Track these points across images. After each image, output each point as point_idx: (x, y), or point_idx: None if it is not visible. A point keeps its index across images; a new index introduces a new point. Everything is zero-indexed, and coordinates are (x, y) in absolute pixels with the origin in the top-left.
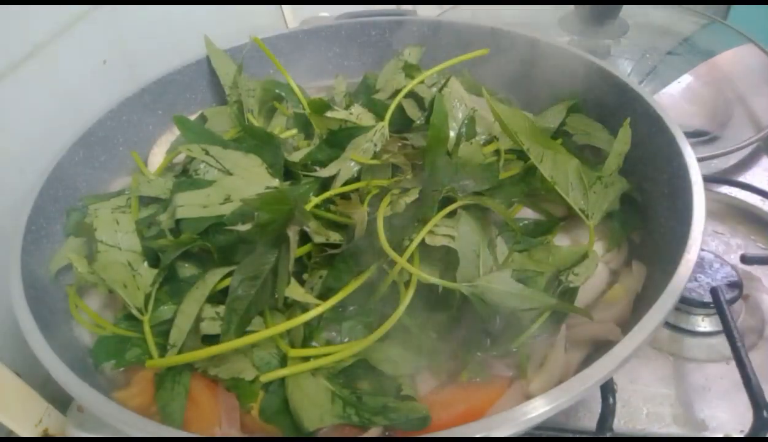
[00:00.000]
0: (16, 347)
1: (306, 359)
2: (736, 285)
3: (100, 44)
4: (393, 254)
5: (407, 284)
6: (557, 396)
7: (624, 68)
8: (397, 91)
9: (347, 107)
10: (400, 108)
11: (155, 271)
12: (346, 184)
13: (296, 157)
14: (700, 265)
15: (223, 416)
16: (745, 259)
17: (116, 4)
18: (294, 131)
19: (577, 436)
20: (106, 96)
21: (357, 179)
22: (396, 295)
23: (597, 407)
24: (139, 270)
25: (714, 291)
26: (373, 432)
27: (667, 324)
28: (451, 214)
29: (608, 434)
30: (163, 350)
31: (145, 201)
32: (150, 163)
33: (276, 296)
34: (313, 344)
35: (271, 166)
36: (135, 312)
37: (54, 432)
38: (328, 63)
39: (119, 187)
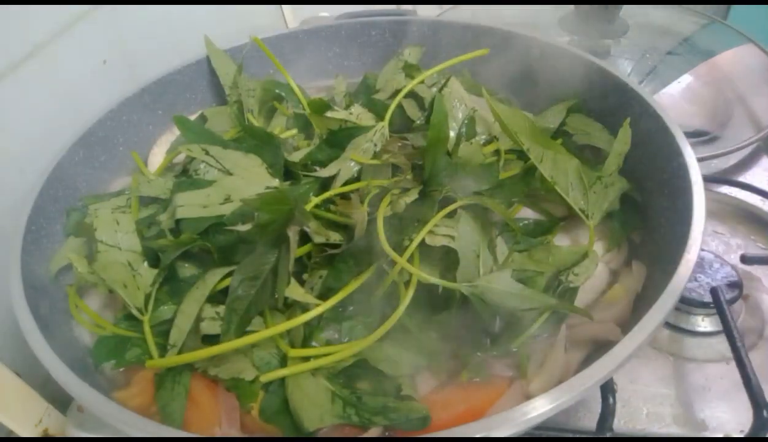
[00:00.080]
0: (16, 347)
1: (306, 359)
2: (736, 285)
3: (100, 44)
4: (393, 254)
5: (407, 284)
6: (557, 396)
7: (624, 68)
8: (397, 91)
9: (347, 107)
10: (400, 108)
11: (155, 271)
12: (346, 184)
13: (296, 157)
14: (700, 265)
15: (223, 416)
16: (745, 259)
17: (116, 4)
18: (294, 131)
19: (577, 436)
20: (106, 96)
21: (357, 179)
22: (396, 295)
23: (597, 407)
24: (139, 270)
25: (714, 291)
26: (373, 432)
27: (667, 324)
28: (451, 214)
29: (608, 434)
30: (163, 350)
31: (145, 201)
32: (150, 163)
33: (276, 296)
34: (313, 344)
35: (271, 166)
36: (135, 312)
37: (54, 432)
38: (328, 63)
39: (119, 187)
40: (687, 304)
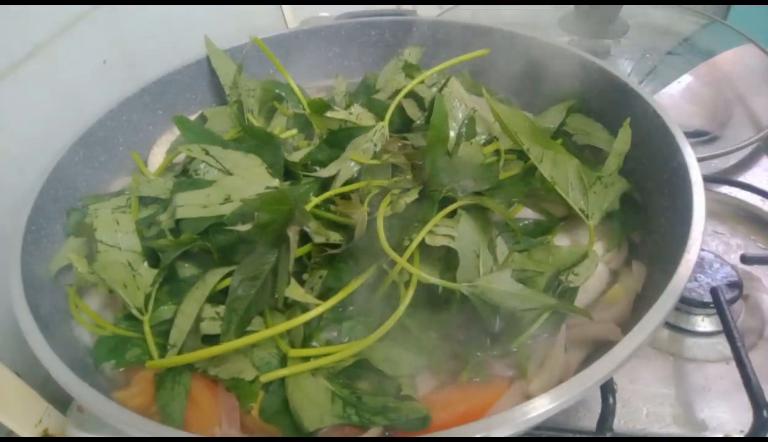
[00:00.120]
0: (16, 347)
1: (306, 359)
2: (736, 285)
3: (100, 44)
4: (393, 254)
5: (407, 284)
6: (557, 396)
7: (624, 68)
8: (397, 91)
9: (347, 107)
10: (400, 108)
11: (155, 271)
12: (346, 184)
13: (296, 157)
14: (700, 265)
15: (223, 416)
16: (745, 259)
17: (116, 4)
18: (294, 131)
19: (577, 436)
20: (106, 96)
21: (357, 179)
22: (396, 295)
23: (597, 407)
24: (139, 270)
25: (714, 291)
26: (373, 432)
27: (667, 324)
28: (451, 214)
29: (608, 434)
30: (163, 350)
31: (145, 201)
32: (150, 163)
33: (276, 296)
34: (313, 344)
35: (271, 166)
36: (135, 312)
37: (54, 432)
38: (328, 63)
39: (119, 187)
40: (687, 304)
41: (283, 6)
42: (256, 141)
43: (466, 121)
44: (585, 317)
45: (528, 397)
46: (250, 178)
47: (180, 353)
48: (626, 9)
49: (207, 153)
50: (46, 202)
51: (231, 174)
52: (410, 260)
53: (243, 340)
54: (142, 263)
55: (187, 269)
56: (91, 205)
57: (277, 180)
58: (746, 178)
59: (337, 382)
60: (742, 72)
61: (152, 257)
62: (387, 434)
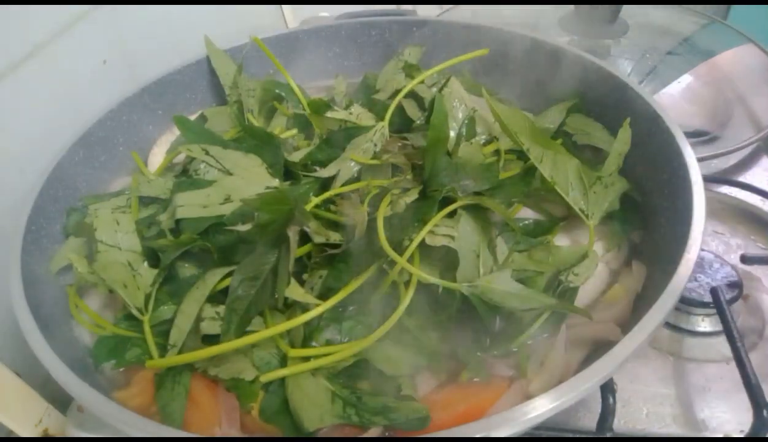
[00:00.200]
0: (16, 347)
1: (306, 359)
2: (736, 285)
3: (100, 44)
4: (393, 254)
5: (407, 284)
6: (557, 396)
7: (624, 68)
8: (397, 91)
9: (347, 107)
10: (400, 108)
11: (155, 271)
12: (346, 184)
13: (296, 157)
14: (700, 265)
15: (223, 416)
16: (745, 259)
17: (116, 4)
18: (294, 131)
19: (577, 436)
20: (106, 96)
21: (357, 179)
22: (396, 295)
23: (597, 407)
24: (139, 270)
25: (714, 291)
26: (373, 432)
27: (667, 324)
28: (451, 215)
29: (608, 434)
30: (163, 350)
31: (145, 201)
32: (150, 163)
33: (276, 296)
34: (313, 344)
35: (271, 166)
36: (135, 312)
37: (54, 432)
38: (328, 63)
39: (119, 187)
40: (687, 304)
41: (283, 6)
42: (256, 141)
43: (466, 121)
44: (585, 317)
45: (528, 397)
46: (250, 178)
47: (180, 353)
48: (626, 9)
49: (207, 153)
50: (46, 202)
51: (231, 174)
52: (410, 260)
53: (243, 340)
54: (142, 263)
55: (187, 269)
56: (91, 205)
57: (277, 180)
58: (746, 178)
59: (337, 382)
60: (742, 72)
61: (152, 257)
62: (387, 434)
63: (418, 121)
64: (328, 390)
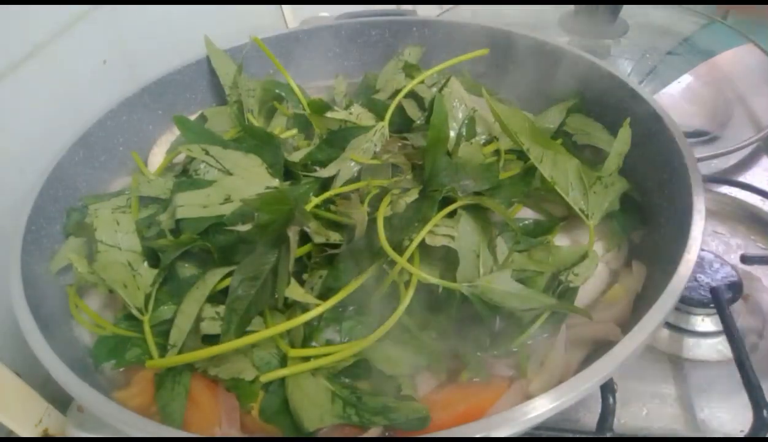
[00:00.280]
0: (16, 347)
1: (306, 359)
2: (736, 285)
3: (100, 44)
4: (393, 254)
5: (407, 284)
6: (557, 396)
7: (624, 68)
8: (397, 91)
9: (347, 107)
10: (400, 108)
11: (155, 271)
12: (346, 184)
13: (296, 157)
14: (700, 265)
15: (223, 416)
16: (745, 259)
17: (116, 4)
18: (294, 131)
19: (577, 436)
20: (106, 96)
21: (357, 179)
22: (396, 295)
23: (597, 407)
24: (139, 270)
25: (714, 291)
26: (373, 432)
27: (667, 324)
28: (451, 214)
29: (608, 434)
30: (163, 350)
31: (145, 201)
32: (150, 163)
33: (276, 296)
34: (313, 344)
35: (271, 166)
36: (135, 312)
37: (54, 432)
38: (328, 63)
39: (119, 187)
40: (687, 304)
41: (283, 6)
42: (256, 141)
43: (466, 121)
44: (585, 317)
45: (528, 397)
46: (250, 178)
47: (180, 353)
48: (626, 9)
49: (207, 153)
50: (46, 202)
51: (231, 174)
52: (410, 260)
53: (243, 340)
54: (142, 263)
55: (187, 269)
56: (91, 205)
57: (277, 180)
58: (746, 178)
59: (337, 382)
60: (742, 72)
61: (152, 257)
62: (387, 434)
63: (418, 121)
64: (328, 390)
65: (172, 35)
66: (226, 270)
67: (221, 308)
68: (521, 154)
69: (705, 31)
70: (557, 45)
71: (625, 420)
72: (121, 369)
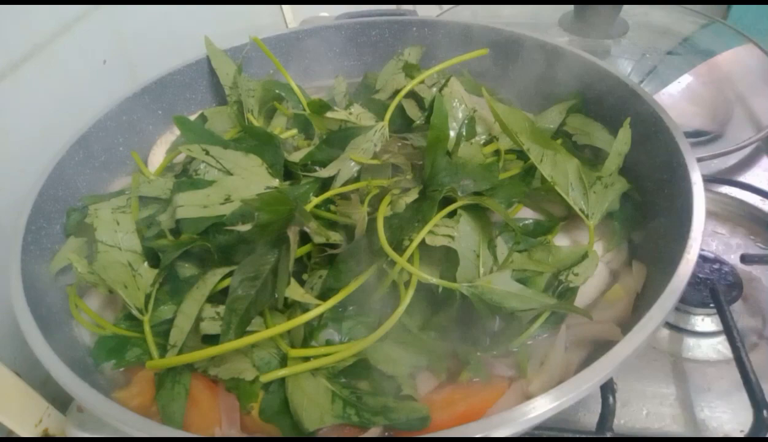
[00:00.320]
0: (16, 347)
1: (306, 359)
2: (736, 285)
3: (100, 44)
4: (393, 254)
5: (407, 284)
6: (557, 396)
7: (624, 68)
8: (397, 91)
9: (347, 107)
10: (400, 108)
11: (155, 271)
12: (346, 184)
13: (296, 157)
14: (700, 265)
15: (223, 416)
16: (745, 259)
17: (116, 4)
18: (294, 131)
19: (577, 436)
20: (106, 96)
21: (357, 179)
22: (396, 295)
23: (597, 407)
24: (139, 270)
25: (714, 291)
26: (373, 432)
27: (667, 324)
28: (451, 214)
29: (608, 434)
30: (163, 350)
31: (145, 201)
32: (150, 163)
33: (276, 296)
34: (313, 344)
35: (271, 166)
36: (135, 312)
37: (54, 432)
38: (328, 63)
39: (119, 187)
40: (687, 304)
41: (283, 6)
42: (256, 141)
43: (466, 121)
44: (585, 317)
45: (528, 397)
46: (250, 178)
47: (180, 353)
48: (626, 9)
49: (207, 153)
50: (46, 202)
51: (231, 174)
52: (410, 260)
53: (243, 340)
54: (142, 263)
55: (187, 269)
56: (91, 205)
57: (277, 180)
58: (746, 178)
59: (337, 382)
60: (742, 72)
61: (152, 257)
62: (387, 434)
63: (418, 121)
64: (328, 390)
65: (172, 35)
66: (226, 270)
67: (221, 308)
68: (521, 154)
69: (705, 31)
70: (557, 45)
71: (625, 420)
72: (121, 369)
